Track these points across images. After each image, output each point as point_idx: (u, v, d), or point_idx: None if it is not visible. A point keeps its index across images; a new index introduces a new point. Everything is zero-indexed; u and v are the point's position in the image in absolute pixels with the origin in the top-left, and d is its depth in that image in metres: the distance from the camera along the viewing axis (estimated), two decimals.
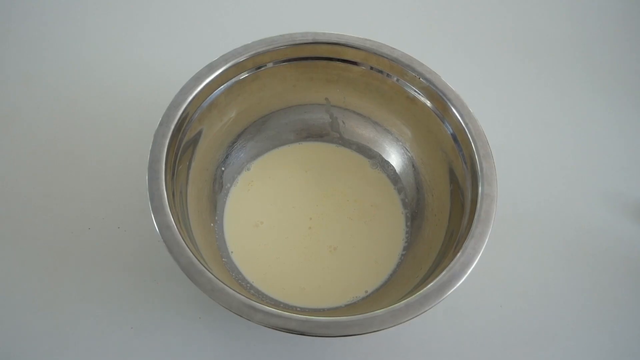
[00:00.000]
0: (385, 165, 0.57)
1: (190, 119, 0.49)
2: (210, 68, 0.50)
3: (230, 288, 0.40)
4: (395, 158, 0.57)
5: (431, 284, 0.41)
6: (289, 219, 0.54)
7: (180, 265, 0.40)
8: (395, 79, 0.53)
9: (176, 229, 0.41)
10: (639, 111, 0.66)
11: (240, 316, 0.39)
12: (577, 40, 0.73)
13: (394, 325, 0.39)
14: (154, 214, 0.42)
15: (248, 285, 0.50)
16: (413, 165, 0.56)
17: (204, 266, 0.41)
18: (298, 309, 0.49)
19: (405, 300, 0.40)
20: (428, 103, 0.52)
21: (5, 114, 0.61)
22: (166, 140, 0.45)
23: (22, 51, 0.66)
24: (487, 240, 0.42)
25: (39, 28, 0.68)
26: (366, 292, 0.50)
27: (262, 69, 0.53)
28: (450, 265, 0.42)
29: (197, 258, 0.41)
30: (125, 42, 0.68)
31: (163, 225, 0.42)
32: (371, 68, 0.53)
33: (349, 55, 0.53)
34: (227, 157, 0.56)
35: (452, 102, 0.49)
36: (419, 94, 0.52)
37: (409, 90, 0.52)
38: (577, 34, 0.74)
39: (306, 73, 0.55)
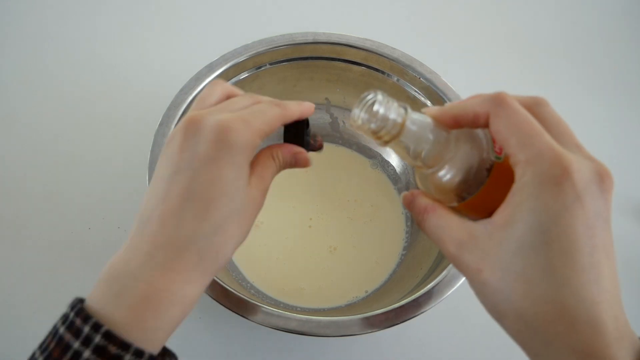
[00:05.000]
0: (385, 165, 0.57)
1: None
2: (210, 68, 0.50)
3: (230, 288, 0.40)
4: (395, 158, 0.57)
5: (431, 284, 0.41)
6: (289, 219, 0.54)
7: None
8: (395, 79, 0.53)
9: None
10: (639, 111, 0.66)
11: (241, 316, 0.39)
12: (578, 41, 0.73)
13: (394, 325, 0.40)
14: None
15: (248, 285, 0.50)
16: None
17: None
18: (298, 309, 0.49)
19: (405, 300, 0.40)
20: (428, 103, 0.52)
21: (5, 114, 0.61)
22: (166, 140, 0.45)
23: (22, 51, 0.66)
24: None
25: (39, 29, 0.68)
26: (366, 292, 0.50)
27: (262, 68, 0.53)
28: (450, 265, 0.42)
29: None
30: (125, 43, 0.68)
31: None
32: (371, 68, 0.54)
33: (349, 55, 0.53)
34: None
35: (453, 101, 0.49)
36: (420, 93, 0.52)
37: (409, 90, 0.52)
38: (577, 35, 0.74)
39: (306, 73, 0.55)
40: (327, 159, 0.58)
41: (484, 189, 0.26)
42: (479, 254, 0.24)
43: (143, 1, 0.72)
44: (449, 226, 0.26)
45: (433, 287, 0.41)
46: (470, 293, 0.52)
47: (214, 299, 0.39)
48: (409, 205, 0.29)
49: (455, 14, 0.75)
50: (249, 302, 0.39)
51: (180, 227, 0.27)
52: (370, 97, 0.26)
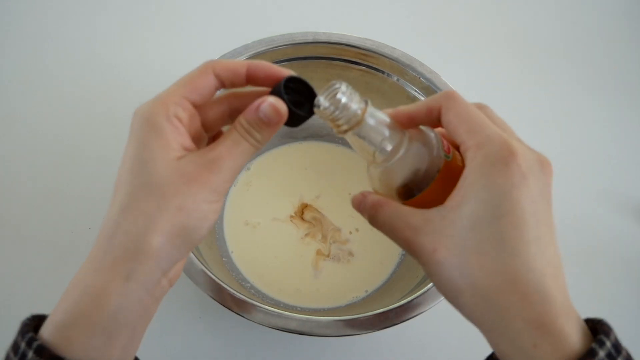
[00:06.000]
0: None
1: None
2: None
3: (230, 288, 0.40)
4: None
5: (431, 283, 0.41)
6: (288, 219, 0.54)
7: None
8: (395, 78, 0.53)
9: None
10: (639, 111, 0.66)
11: (241, 316, 0.39)
12: (578, 41, 0.73)
13: (394, 325, 0.40)
14: None
15: (248, 285, 0.50)
16: None
17: (204, 266, 0.41)
18: (298, 309, 0.49)
19: (405, 300, 0.40)
20: None
21: (6, 114, 0.61)
22: None
23: (22, 51, 0.66)
24: None
25: (40, 29, 0.68)
26: (366, 292, 0.50)
27: None
28: None
29: (197, 258, 0.41)
30: (125, 43, 0.68)
31: None
32: (371, 68, 0.53)
33: (349, 55, 0.53)
34: None
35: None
36: (420, 93, 0.52)
37: (409, 90, 0.52)
38: (577, 35, 0.74)
39: (306, 73, 0.54)
40: (327, 159, 0.58)
41: (433, 185, 0.27)
42: (434, 235, 0.26)
43: (143, 1, 0.72)
44: (403, 214, 0.27)
45: (433, 287, 0.41)
46: None
47: (214, 299, 0.40)
48: (359, 205, 0.30)
49: (455, 14, 0.75)
50: (249, 302, 0.39)
51: (105, 219, 0.27)
52: (335, 86, 0.27)
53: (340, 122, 0.27)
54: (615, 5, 0.77)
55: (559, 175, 0.63)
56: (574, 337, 0.24)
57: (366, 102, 0.27)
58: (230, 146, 0.27)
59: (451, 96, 0.27)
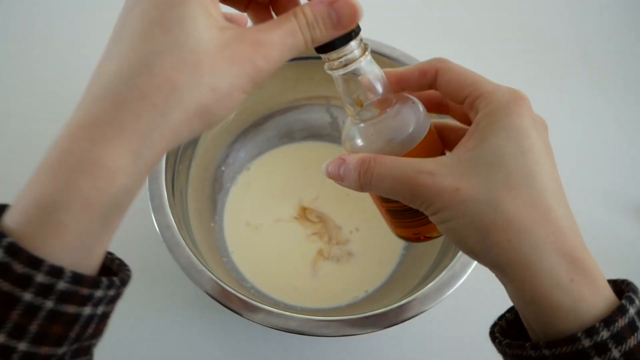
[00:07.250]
0: None
1: None
2: None
3: (231, 288, 0.40)
4: None
5: (431, 284, 0.41)
6: (289, 219, 0.54)
7: (181, 265, 0.40)
8: None
9: (176, 229, 0.41)
10: (638, 111, 0.66)
11: (241, 316, 0.39)
12: (578, 40, 0.73)
13: (394, 325, 0.40)
14: (154, 214, 0.42)
15: (248, 285, 0.50)
16: None
17: (204, 266, 0.41)
18: (298, 309, 0.49)
19: (405, 300, 0.40)
20: None
21: (5, 114, 0.61)
22: None
23: (22, 51, 0.66)
24: None
25: (39, 28, 0.68)
26: (366, 292, 0.50)
27: None
28: (450, 265, 0.42)
29: (197, 258, 0.41)
30: None
31: (163, 225, 0.42)
32: None
33: None
34: (227, 156, 0.56)
35: None
36: None
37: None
38: (578, 34, 0.74)
39: (306, 73, 0.55)
40: (327, 159, 0.58)
41: (422, 143, 0.27)
42: (454, 176, 0.24)
43: None
44: (410, 162, 0.25)
45: (433, 287, 0.41)
46: (470, 292, 0.52)
47: (214, 299, 0.39)
48: (339, 167, 0.28)
49: (456, 14, 0.75)
50: (249, 302, 0.39)
51: (101, 67, 0.22)
52: None
53: (334, 56, 0.26)
54: (620, 3, 0.77)
55: (561, 175, 0.62)
56: (604, 279, 0.24)
57: (367, 45, 0.28)
58: (285, 35, 0.23)
59: (446, 60, 0.28)
